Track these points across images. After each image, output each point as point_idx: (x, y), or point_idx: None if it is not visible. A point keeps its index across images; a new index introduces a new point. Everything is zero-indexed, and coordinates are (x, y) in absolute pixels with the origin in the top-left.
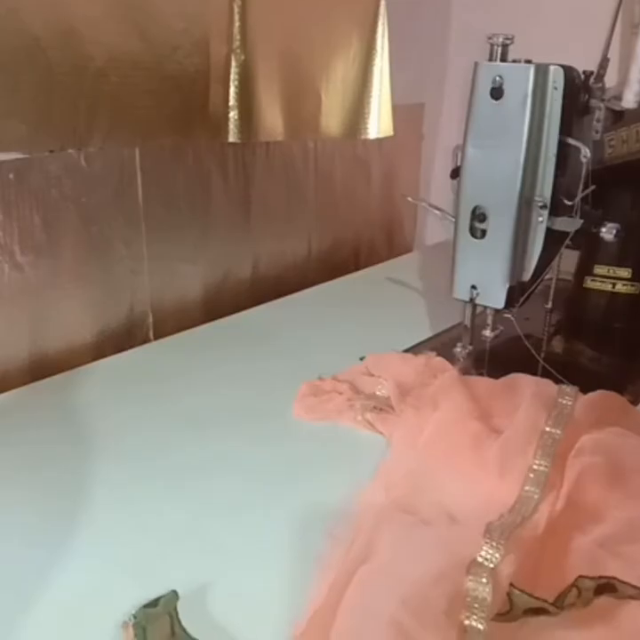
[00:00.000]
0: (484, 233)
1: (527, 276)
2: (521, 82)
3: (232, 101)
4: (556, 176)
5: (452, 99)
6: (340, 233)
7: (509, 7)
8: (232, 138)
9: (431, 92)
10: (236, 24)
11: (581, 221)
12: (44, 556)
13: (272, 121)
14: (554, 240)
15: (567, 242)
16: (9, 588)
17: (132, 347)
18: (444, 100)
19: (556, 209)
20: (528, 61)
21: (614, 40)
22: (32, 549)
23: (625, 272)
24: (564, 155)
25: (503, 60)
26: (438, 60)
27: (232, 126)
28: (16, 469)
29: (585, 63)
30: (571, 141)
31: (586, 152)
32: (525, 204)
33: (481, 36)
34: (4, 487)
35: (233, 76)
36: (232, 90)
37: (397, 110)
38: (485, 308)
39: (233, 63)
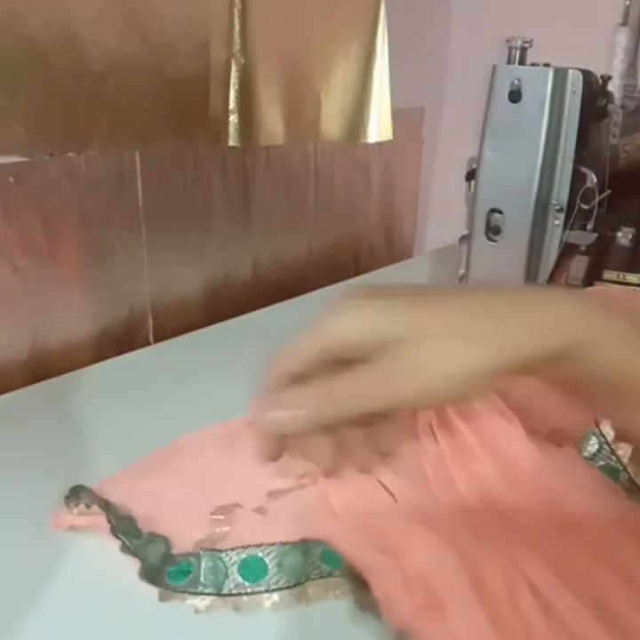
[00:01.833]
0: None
1: (542, 278)
2: (540, 86)
3: (232, 105)
4: (573, 180)
5: (453, 102)
6: (340, 237)
7: (511, 10)
8: (232, 142)
9: (431, 95)
10: (236, 28)
11: (595, 235)
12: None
13: (272, 125)
14: (569, 243)
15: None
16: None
17: (132, 349)
18: (445, 103)
19: (572, 212)
20: (546, 65)
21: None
22: (32, 548)
23: (635, 278)
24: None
25: (522, 63)
26: (439, 63)
27: (232, 130)
28: (15, 470)
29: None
30: (583, 170)
31: (592, 177)
32: (542, 207)
33: (481, 39)
34: (3, 488)
35: (233, 79)
36: (232, 94)
37: (397, 114)
38: None
39: (233, 67)
